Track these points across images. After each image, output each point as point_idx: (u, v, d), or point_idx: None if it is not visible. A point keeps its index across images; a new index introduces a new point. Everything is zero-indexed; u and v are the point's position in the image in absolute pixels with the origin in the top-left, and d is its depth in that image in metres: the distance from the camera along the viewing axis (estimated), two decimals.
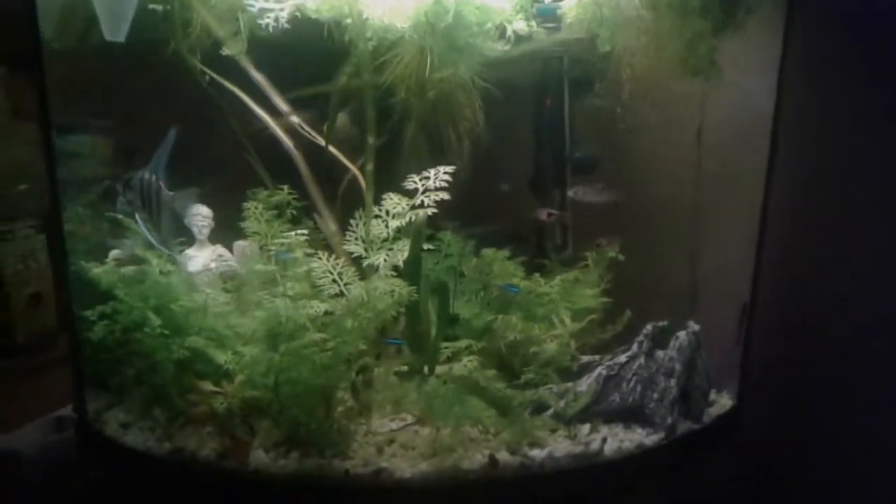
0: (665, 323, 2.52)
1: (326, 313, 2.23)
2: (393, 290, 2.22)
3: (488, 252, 2.64)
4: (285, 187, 2.46)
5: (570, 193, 2.66)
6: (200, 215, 2.51)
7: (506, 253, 2.67)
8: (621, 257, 2.73)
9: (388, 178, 2.46)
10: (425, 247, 2.42)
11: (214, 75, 2.43)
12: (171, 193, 2.25)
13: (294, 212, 2.44)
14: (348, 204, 2.55)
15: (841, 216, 2.73)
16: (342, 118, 2.63)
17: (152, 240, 2.29)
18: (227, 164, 2.63)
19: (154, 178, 2.24)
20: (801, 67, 2.59)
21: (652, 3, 2.31)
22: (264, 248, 2.36)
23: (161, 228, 2.27)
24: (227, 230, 2.50)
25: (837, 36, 2.67)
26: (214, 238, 2.59)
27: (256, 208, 2.41)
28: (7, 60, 3.25)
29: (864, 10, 2.60)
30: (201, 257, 2.52)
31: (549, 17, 2.44)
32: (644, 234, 2.88)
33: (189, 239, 2.54)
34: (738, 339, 2.66)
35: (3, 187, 3.16)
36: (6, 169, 3.19)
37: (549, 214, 2.76)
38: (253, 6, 2.34)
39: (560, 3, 2.43)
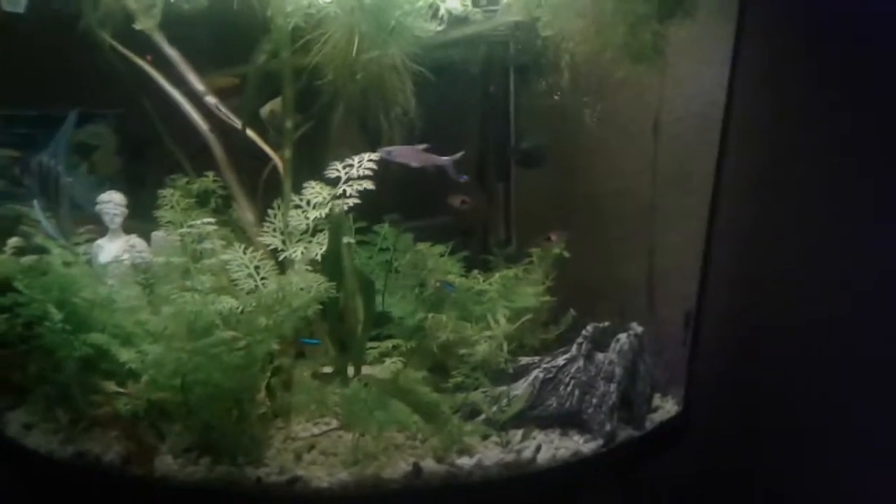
0: (607, 324, 2.40)
1: (242, 310, 2.08)
2: (309, 286, 2.07)
3: (423, 246, 2.50)
4: (210, 174, 2.34)
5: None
6: (112, 202, 2.35)
7: (442, 248, 2.53)
8: (566, 254, 2.60)
9: (316, 166, 2.31)
10: (347, 240, 2.27)
11: (125, 50, 2.27)
12: (71, 179, 2.09)
13: (218, 200, 2.32)
14: (273, 193, 2.39)
15: (793, 216, 2.62)
16: (278, 102, 2.47)
17: (48, 228, 2.12)
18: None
19: (53, 162, 2.07)
20: (754, 60, 2.47)
21: None
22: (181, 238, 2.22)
23: (59, 216, 2.10)
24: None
25: (793, 28, 2.55)
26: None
27: (173, 196, 2.27)
28: None
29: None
30: (112, 248, 2.36)
31: None
32: (593, 230, 2.77)
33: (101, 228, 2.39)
34: (683, 341, 2.54)
35: None
36: None
37: (463, 202, 2.60)
38: None
39: None
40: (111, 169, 2.61)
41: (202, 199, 2.34)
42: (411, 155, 2.28)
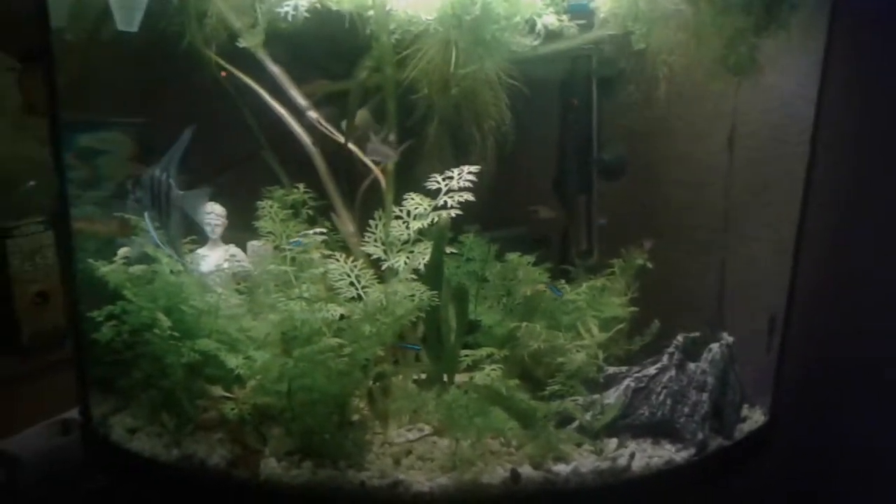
0: (697, 334, 2.41)
1: (343, 318, 2.13)
2: (413, 295, 2.11)
3: (513, 257, 2.53)
4: (301, 186, 2.39)
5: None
6: (214, 213, 2.43)
7: (530, 258, 2.56)
8: (649, 265, 2.62)
9: (411, 178, 2.35)
10: (447, 250, 2.32)
11: (230, 68, 2.34)
12: (182, 193, 2.16)
13: (310, 211, 2.37)
14: (370, 204, 2.44)
15: (881, 226, 2.61)
16: (364, 114, 2.53)
17: (157, 240, 2.19)
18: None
19: (165, 176, 2.14)
20: (844, 70, 2.48)
21: None
22: (279, 248, 2.28)
23: (169, 228, 2.17)
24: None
25: (884, 38, 2.55)
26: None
27: (271, 207, 2.33)
28: (21, 55, 3.18)
29: None
30: (213, 257, 2.43)
31: (581, 13, 2.33)
32: (676, 240, 2.78)
33: (202, 239, 2.45)
34: (768, 349, 2.54)
35: (13, 184, 3.08)
36: (17, 165, 3.11)
37: None
38: None
39: None
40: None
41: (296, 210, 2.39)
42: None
